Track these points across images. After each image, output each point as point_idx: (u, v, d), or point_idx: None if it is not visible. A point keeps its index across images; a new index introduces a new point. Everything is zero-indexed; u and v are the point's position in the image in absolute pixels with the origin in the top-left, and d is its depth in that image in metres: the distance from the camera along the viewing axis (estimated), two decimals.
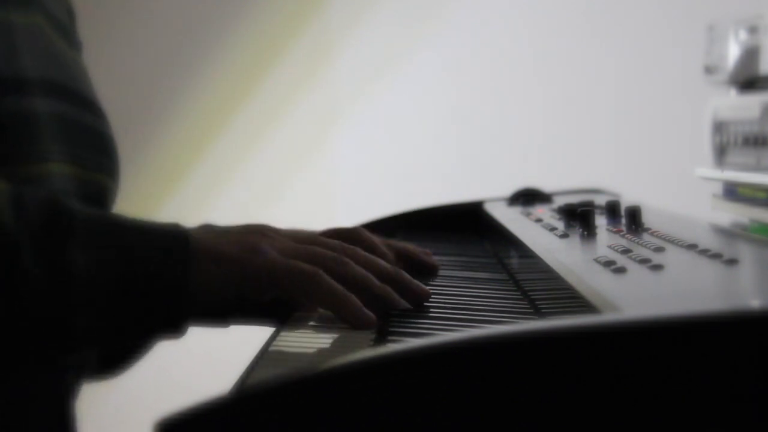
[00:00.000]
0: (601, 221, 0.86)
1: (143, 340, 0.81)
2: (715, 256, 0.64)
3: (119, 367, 0.89)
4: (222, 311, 0.74)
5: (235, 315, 0.77)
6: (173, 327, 0.68)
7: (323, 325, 0.75)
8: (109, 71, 2.24)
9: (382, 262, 0.76)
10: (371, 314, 0.70)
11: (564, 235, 0.83)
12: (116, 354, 0.87)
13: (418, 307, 0.75)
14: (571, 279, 0.66)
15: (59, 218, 0.64)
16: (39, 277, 0.62)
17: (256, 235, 0.71)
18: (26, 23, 0.78)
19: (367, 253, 0.76)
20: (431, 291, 0.80)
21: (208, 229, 0.74)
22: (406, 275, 0.76)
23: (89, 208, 0.68)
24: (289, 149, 2.29)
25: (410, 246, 0.91)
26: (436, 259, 0.93)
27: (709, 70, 1.18)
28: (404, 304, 0.74)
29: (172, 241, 0.66)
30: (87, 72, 0.88)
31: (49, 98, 0.77)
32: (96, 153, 0.82)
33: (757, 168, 1.04)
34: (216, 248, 0.68)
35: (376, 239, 0.83)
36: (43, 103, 0.76)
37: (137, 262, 0.65)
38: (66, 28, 0.86)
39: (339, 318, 0.71)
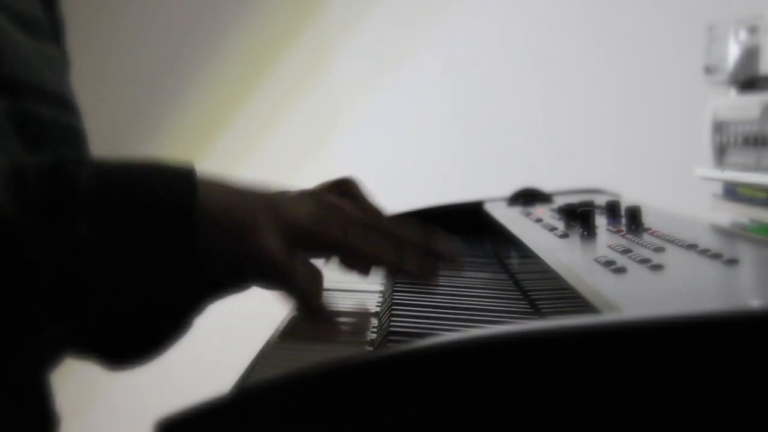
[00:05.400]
0: (601, 221, 0.86)
1: (165, 315, 0.80)
2: (715, 256, 0.64)
3: (153, 350, 0.88)
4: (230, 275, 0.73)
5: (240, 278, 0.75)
6: (184, 294, 0.67)
7: (323, 326, 0.75)
8: (109, 71, 2.24)
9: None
10: (336, 328, 0.70)
11: (564, 235, 0.83)
12: (148, 335, 0.86)
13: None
14: (571, 279, 0.66)
15: (62, 190, 0.63)
16: (46, 259, 0.62)
17: (265, 213, 0.68)
18: None
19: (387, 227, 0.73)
20: (432, 291, 0.80)
21: (225, 190, 0.69)
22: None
23: (95, 165, 0.66)
24: (288, 149, 2.29)
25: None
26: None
27: (709, 70, 1.18)
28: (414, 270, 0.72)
29: (179, 205, 0.65)
30: (60, 62, 0.87)
31: (4, 95, 0.77)
32: (58, 147, 0.81)
33: (757, 168, 1.04)
34: (220, 222, 0.66)
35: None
36: None
37: (143, 228, 0.64)
38: (32, 21, 0.85)
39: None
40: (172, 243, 0.64)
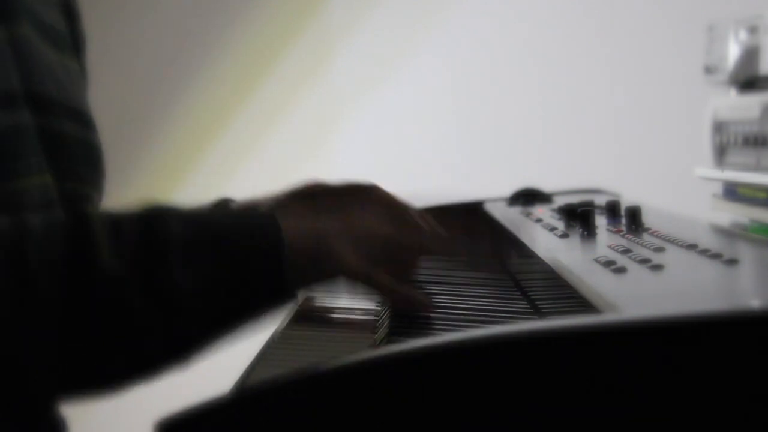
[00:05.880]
0: (601, 221, 0.86)
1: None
2: (715, 256, 0.64)
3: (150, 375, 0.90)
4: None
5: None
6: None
7: (324, 325, 0.75)
8: (110, 71, 2.24)
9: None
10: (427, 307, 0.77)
11: (564, 235, 0.83)
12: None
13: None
14: (571, 279, 0.66)
15: (157, 241, 0.66)
16: (147, 308, 0.65)
17: (340, 238, 0.74)
18: (9, 36, 0.78)
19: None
20: (432, 292, 0.80)
21: (303, 227, 0.74)
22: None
23: (184, 215, 0.70)
24: (288, 149, 2.29)
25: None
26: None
27: (709, 70, 1.18)
28: None
29: (268, 250, 0.69)
30: (80, 77, 0.88)
31: (32, 111, 0.78)
32: (79, 163, 0.82)
33: (757, 168, 1.05)
34: (303, 258, 0.71)
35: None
36: (26, 116, 0.77)
37: (235, 274, 0.68)
38: (58, 34, 0.86)
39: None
40: (265, 287, 0.70)
